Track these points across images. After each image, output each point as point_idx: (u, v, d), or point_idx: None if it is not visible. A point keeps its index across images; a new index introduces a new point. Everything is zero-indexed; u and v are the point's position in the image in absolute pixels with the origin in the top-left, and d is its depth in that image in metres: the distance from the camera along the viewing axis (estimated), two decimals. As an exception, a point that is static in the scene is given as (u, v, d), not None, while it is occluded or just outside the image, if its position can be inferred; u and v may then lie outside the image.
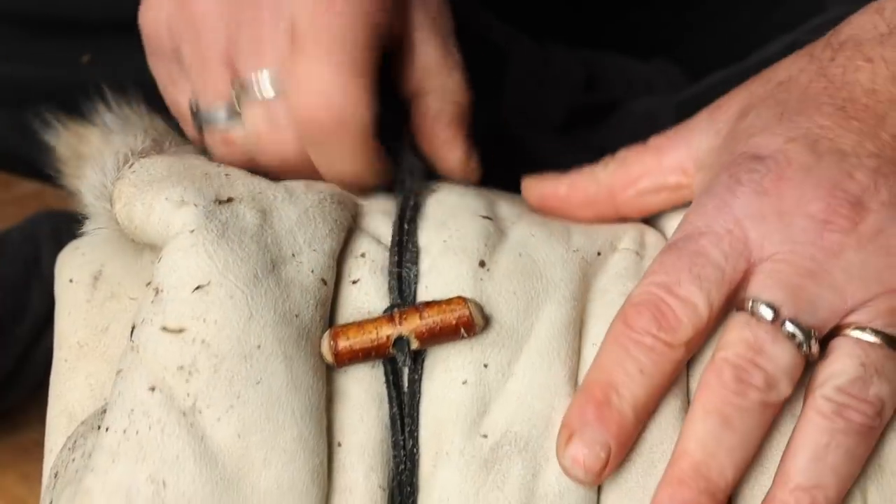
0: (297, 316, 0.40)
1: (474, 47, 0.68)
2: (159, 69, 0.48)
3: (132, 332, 0.40)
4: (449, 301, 0.40)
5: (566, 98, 0.68)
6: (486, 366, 0.40)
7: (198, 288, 0.39)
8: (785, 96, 0.43)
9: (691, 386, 0.41)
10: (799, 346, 0.39)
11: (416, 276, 0.42)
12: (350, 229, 0.44)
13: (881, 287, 0.39)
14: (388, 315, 0.41)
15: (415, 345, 0.40)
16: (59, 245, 0.56)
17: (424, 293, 0.42)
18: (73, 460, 0.40)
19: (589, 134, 0.68)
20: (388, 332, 0.40)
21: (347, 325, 0.40)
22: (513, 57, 0.67)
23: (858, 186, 0.40)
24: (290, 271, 0.41)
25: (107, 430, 0.38)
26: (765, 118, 0.43)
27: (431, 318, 0.40)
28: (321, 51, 0.43)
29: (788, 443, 0.40)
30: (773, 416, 0.40)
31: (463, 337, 0.40)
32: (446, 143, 0.48)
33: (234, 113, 0.45)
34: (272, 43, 0.44)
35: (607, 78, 0.70)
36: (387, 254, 0.43)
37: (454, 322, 0.40)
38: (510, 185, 0.58)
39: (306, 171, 0.46)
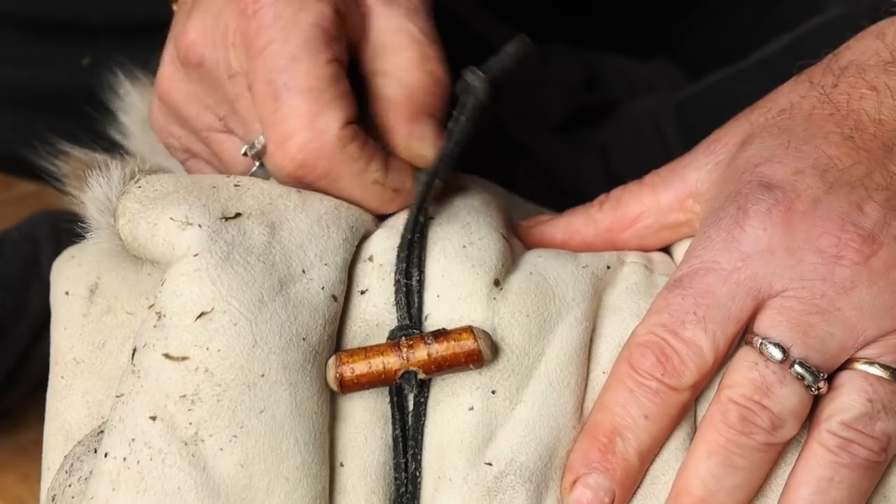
0: (304, 339, 0.39)
1: (473, 47, 0.68)
2: (188, 170, 0.47)
3: (133, 354, 0.39)
4: (458, 333, 0.39)
5: (566, 98, 0.68)
6: (493, 392, 0.40)
7: (201, 315, 0.39)
8: (789, 124, 0.42)
9: (698, 414, 0.40)
10: (808, 387, 0.38)
11: (422, 282, 0.41)
12: (367, 232, 0.43)
13: (892, 324, 0.39)
14: (395, 343, 0.40)
15: (421, 376, 0.39)
16: (59, 245, 0.56)
17: (434, 302, 0.41)
18: (70, 485, 0.39)
19: (589, 134, 0.68)
20: (395, 364, 0.39)
21: (353, 353, 0.40)
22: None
23: (869, 220, 0.39)
24: (298, 290, 0.40)
25: (105, 456, 0.38)
26: (770, 147, 0.41)
27: (439, 354, 0.39)
28: (268, 96, 0.41)
29: (792, 475, 0.39)
30: (777, 454, 0.39)
31: (470, 369, 0.39)
32: (389, 131, 0.43)
33: None
34: (245, 106, 0.42)
35: (607, 78, 0.70)
36: (395, 253, 0.42)
37: (463, 357, 0.39)
38: (510, 186, 0.58)
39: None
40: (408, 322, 0.40)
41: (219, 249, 0.39)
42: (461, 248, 0.42)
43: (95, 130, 0.50)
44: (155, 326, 0.39)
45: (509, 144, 0.66)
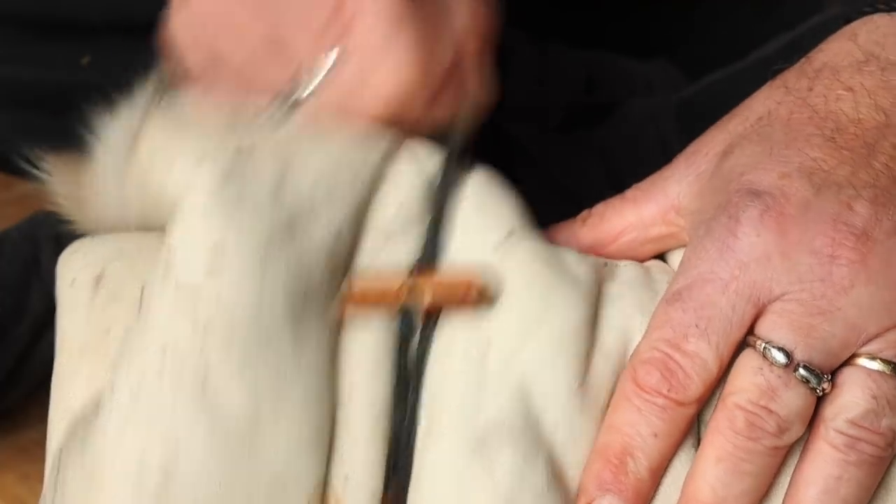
0: (310, 274, 0.40)
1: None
2: (205, 85, 0.46)
3: (142, 292, 0.40)
4: (466, 266, 0.41)
5: (566, 98, 0.68)
6: (490, 344, 0.41)
7: (213, 247, 0.40)
8: (769, 131, 0.42)
9: (703, 417, 0.41)
10: (812, 389, 0.39)
11: (442, 231, 0.42)
12: (384, 174, 0.44)
13: (892, 320, 0.39)
14: (407, 270, 0.41)
15: (427, 299, 0.41)
16: (59, 245, 0.56)
17: (451, 249, 0.42)
18: (80, 438, 0.40)
19: (589, 134, 0.68)
20: (403, 283, 0.41)
21: (364, 272, 0.41)
22: (512, 57, 0.67)
23: (860, 218, 0.39)
24: (307, 227, 0.41)
25: (115, 389, 0.39)
26: (752, 154, 0.42)
27: (447, 280, 0.41)
28: (383, 29, 0.41)
29: (797, 474, 0.39)
30: (783, 457, 0.39)
31: (475, 304, 0.40)
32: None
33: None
34: (325, 25, 0.42)
35: (607, 78, 0.70)
36: (421, 200, 0.43)
37: (466, 288, 0.40)
38: (510, 186, 0.58)
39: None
40: (422, 259, 0.42)
41: (232, 186, 0.40)
42: (484, 195, 0.43)
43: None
44: (167, 262, 0.40)
45: (509, 144, 0.66)
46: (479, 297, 0.40)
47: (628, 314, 0.42)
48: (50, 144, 0.48)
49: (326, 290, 0.41)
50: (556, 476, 0.40)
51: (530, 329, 0.41)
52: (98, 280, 0.45)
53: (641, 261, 0.46)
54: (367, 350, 0.41)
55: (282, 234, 0.40)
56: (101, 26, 0.62)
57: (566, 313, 0.41)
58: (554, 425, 0.40)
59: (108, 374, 0.41)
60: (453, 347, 0.41)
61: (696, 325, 0.39)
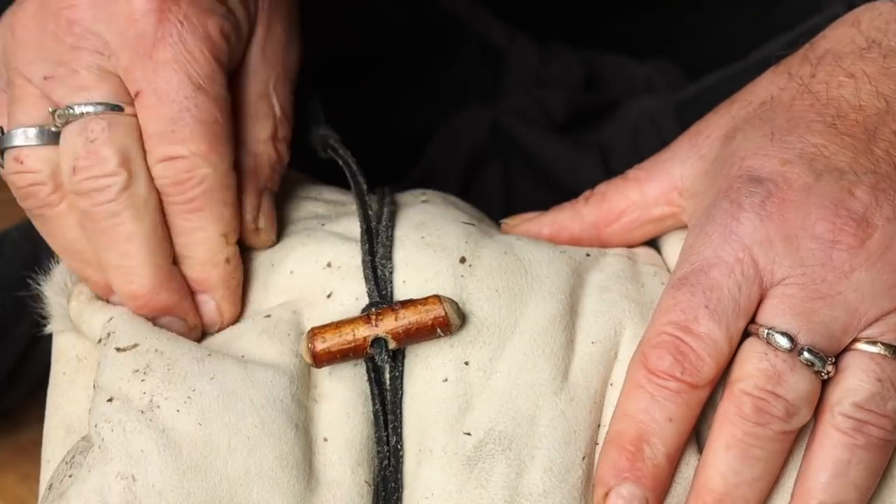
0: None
1: (473, 47, 0.68)
2: None
3: (94, 382, 0.41)
4: (424, 300, 0.40)
5: (566, 98, 0.68)
6: (466, 363, 0.40)
7: (148, 321, 0.42)
8: (771, 115, 0.42)
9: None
10: (817, 372, 0.39)
11: (391, 272, 0.42)
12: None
13: (892, 303, 0.39)
14: (365, 316, 0.41)
15: (392, 345, 0.40)
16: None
17: (402, 287, 0.42)
18: (70, 476, 0.40)
19: (589, 134, 0.68)
20: (364, 333, 0.40)
21: (325, 327, 0.41)
22: (512, 57, 0.67)
23: (861, 204, 0.39)
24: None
25: (86, 453, 0.40)
26: (754, 139, 0.42)
27: (407, 319, 0.40)
28: (166, 115, 0.41)
29: (807, 459, 0.39)
30: (792, 442, 0.40)
31: (440, 336, 0.40)
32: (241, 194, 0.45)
33: (48, 135, 0.42)
34: (91, 78, 0.42)
35: (607, 78, 0.70)
36: (355, 254, 0.43)
37: (430, 322, 0.40)
38: (509, 185, 0.58)
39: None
40: (377, 299, 0.41)
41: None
42: (420, 239, 0.43)
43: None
44: (105, 343, 0.41)
45: (509, 144, 0.66)
46: (445, 324, 0.40)
47: (616, 304, 0.42)
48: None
49: (281, 331, 0.41)
50: (557, 474, 0.40)
51: (503, 339, 0.41)
52: (91, 294, 0.45)
53: (641, 241, 0.46)
54: (341, 394, 0.41)
55: None
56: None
57: (535, 315, 0.41)
58: (550, 422, 0.40)
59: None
60: (431, 375, 0.41)
61: (706, 307, 0.39)
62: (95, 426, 0.39)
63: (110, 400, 0.39)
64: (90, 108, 0.41)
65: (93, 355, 0.44)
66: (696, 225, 0.42)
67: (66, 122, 0.41)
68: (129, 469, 0.38)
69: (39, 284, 0.45)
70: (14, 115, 0.42)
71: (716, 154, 0.43)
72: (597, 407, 0.41)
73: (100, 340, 0.42)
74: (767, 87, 0.44)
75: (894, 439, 0.39)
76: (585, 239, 0.46)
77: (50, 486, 0.41)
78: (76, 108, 0.41)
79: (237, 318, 0.43)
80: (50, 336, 0.45)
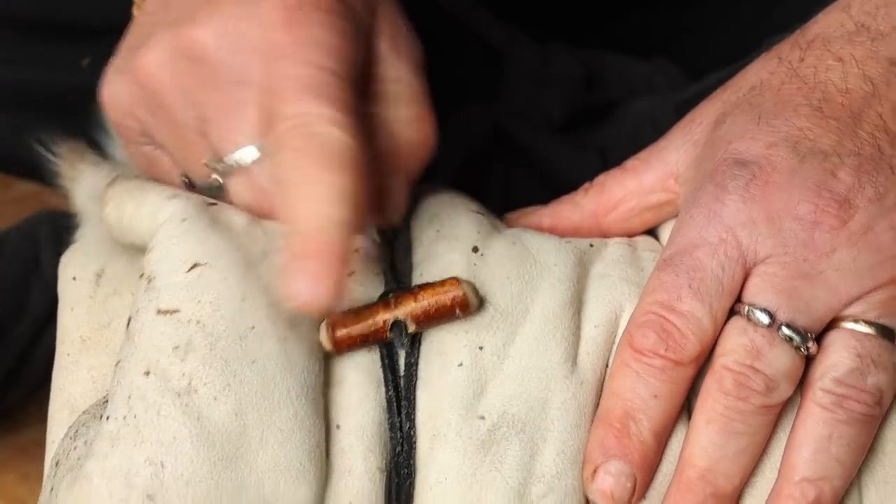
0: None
1: (473, 47, 0.68)
2: (136, 155, 0.46)
3: (129, 323, 0.40)
4: (443, 282, 0.41)
5: (566, 98, 0.68)
6: (481, 348, 0.41)
7: (192, 269, 0.40)
8: (759, 100, 0.43)
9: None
10: (797, 348, 0.40)
11: (411, 266, 0.43)
12: None
13: (873, 282, 0.40)
14: (384, 301, 0.41)
15: (411, 328, 0.41)
16: (59, 245, 0.56)
17: (419, 280, 0.42)
18: (76, 448, 0.40)
19: (589, 134, 0.68)
20: (384, 317, 0.40)
21: (344, 314, 0.41)
22: (512, 57, 0.67)
23: (843, 185, 0.40)
24: (280, 260, 0.40)
25: (107, 418, 0.39)
26: (741, 123, 0.43)
27: (426, 301, 0.40)
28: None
29: (791, 437, 0.40)
30: (775, 417, 0.40)
31: (458, 317, 0.41)
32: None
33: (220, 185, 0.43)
34: (241, 117, 0.41)
35: (607, 78, 0.70)
36: (378, 247, 0.43)
37: (449, 302, 0.40)
38: (510, 186, 0.58)
39: None
40: (395, 286, 0.42)
41: (205, 216, 0.41)
42: (435, 232, 0.44)
43: (95, 131, 0.50)
44: (146, 290, 0.40)
45: (509, 145, 0.66)
46: (464, 304, 0.40)
47: (616, 287, 0.43)
48: (50, 145, 0.48)
49: (311, 319, 0.41)
50: (570, 456, 0.40)
51: (515, 325, 0.41)
52: (99, 276, 0.45)
53: (640, 230, 0.47)
54: (354, 379, 0.41)
55: (258, 262, 0.40)
56: (102, 28, 0.62)
57: (545, 302, 0.42)
58: (561, 405, 0.41)
59: (109, 369, 0.41)
60: (446, 360, 0.41)
61: (689, 286, 0.40)
62: (129, 397, 0.38)
63: (147, 373, 0.39)
64: None
65: (97, 336, 0.44)
66: (683, 208, 0.43)
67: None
68: (159, 455, 0.38)
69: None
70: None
71: (706, 139, 0.44)
72: (602, 389, 0.42)
73: (141, 275, 0.41)
74: (758, 72, 0.45)
75: (877, 414, 0.40)
76: (585, 228, 0.47)
77: (57, 463, 0.40)
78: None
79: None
80: (49, 336, 0.46)
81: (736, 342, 0.40)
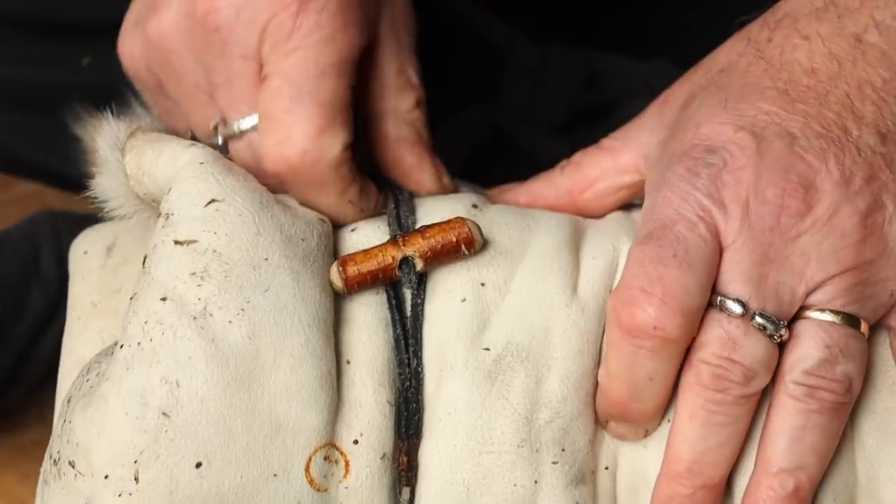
0: (303, 240, 0.42)
1: (473, 47, 0.68)
2: (153, 102, 0.48)
3: (144, 260, 0.41)
4: (448, 221, 0.42)
5: (566, 98, 0.68)
6: (483, 284, 0.42)
7: (209, 204, 0.41)
8: (726, 82, 0.43)
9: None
10: (770, 336, 0.40)
11: (414, 222, 0.44)
12: None
13: (838, 267, 0.40)
14: (393, 240, 0.43)
15: (419, 265, 0.42)
16: (59, 245, 0.56)
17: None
18: (87, 381, 0.41)
19: (589, 134, 0.67)
20: (393, 253, 0.42)
21: (354, 253, 0.42)
22: (512, 57, 0.67)
23: (810, 169, 0.40)
24: (292, 205, 0.43)
25: (121, 346, 0.40)
26: (708, 106, 0.43)
27: (433, 238, 0.42)
28: (287, 96, 0.42)
29: (766, 428, 0.41)
30: (755, 404, 0.41)
31: (464, 255, 0.42)
32: (415, 167, 0.47)
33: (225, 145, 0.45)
34: (245, 87, 0.44)
35: (607, 78, 0.70)
36: (381, 224, 0.45)
37: (455, 239, 0.42)
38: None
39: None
40: (400, 231, 0.43)
41: (222, 161, 0.43)
42: (437, 196, 0.46)
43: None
44: (163, 226, 0.41)
45: (509, 145, 0.66)
46: (470, 241, 0.42)
47: (611, 229, 0.45)
48: (49, 145, 0.48)
49: (322, 259, 0.42)
50: (574, 381, 0.42)
51: (514, 262, 0.43)
52: (110, 249, 0.47)
53: (614, 208, 0.48)
54: (362, 318, 0.42)
55: (273, 203, 0.42)
56: (101, 27, 0.62)
57: (545, 239, 0.43)
58: (563, 333, 0.42)
59: (119, 330, 0.42)
60: (450, 297, 0.42)
61: (675, 255, 0.40)
62: (146, 322, 0.40)
63: (164, 299, 0.40)
64: None
65: (108, 301, 0.45)
66: (653, 188, 0.43)
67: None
68: (174, 374, 0.39)
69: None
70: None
71: (675, 120, 0.44)
72: (603, 315, 0.43)
73: (159, 215, 0.42)
74: (728, 53, 0.45)
75: (848, 401, 0.41)
76: (561, 206, 0.47)
77: (69, 399, 0.41)
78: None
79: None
80: (50, 336, 0.46)
81: (711, 334, 0.40)
